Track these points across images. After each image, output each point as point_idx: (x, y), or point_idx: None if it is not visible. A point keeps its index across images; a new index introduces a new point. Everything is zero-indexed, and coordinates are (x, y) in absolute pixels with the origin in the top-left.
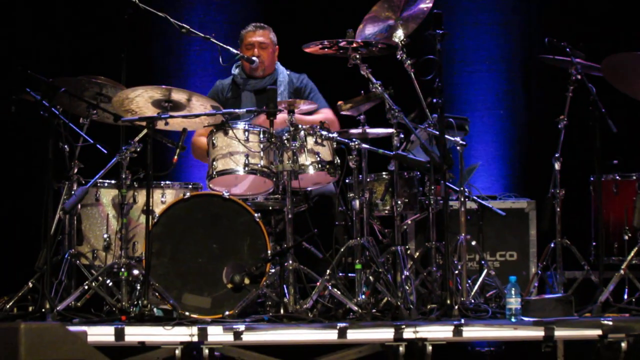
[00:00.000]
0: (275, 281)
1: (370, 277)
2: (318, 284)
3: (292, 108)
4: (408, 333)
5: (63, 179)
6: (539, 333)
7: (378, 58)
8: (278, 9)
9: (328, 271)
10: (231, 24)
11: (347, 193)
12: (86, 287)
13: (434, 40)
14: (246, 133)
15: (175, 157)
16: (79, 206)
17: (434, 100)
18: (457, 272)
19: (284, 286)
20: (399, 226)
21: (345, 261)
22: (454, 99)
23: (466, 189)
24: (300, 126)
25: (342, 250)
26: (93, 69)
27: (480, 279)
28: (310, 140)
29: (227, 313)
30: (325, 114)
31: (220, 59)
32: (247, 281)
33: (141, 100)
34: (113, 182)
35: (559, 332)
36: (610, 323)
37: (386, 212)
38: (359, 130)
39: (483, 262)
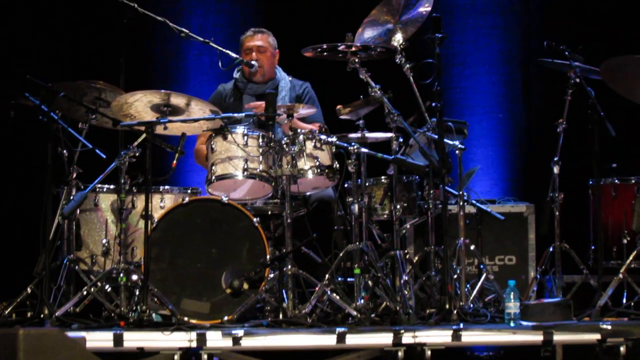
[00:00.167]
0: (274, 286)
1: (369, 282)
2: (317, 288)
3: (291, 112)
4: (407, 338)
5: (62, 183)
6: (537, 337)
7: (377, 62)
8: (277, 13)
9: (327, 276)
10: (230, 28)
11: (346, 197)
12: (85, 293)
13: (432, 43)
14: (245, 137)
15: (174, 161)
16: (78, 211)
17: (433, 104)
18: (456, 276)
19: (283, 291)
20: (398, 230)
21: (344, 266)
22: (453, 103)
23: (465, 193)
24: (299, 130)
25: (341, 254)
26: (92, 73)
27: (479, 284)
28: (309, 145)
29: (226, 318)
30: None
31: (220, 63)
32: (246, 286)
33: (140, 105)
34: (112, 187)
35: (558, 337)
36: (609, 327)
37: (385, 216)
38: (358, 135)
39: (482, 266)
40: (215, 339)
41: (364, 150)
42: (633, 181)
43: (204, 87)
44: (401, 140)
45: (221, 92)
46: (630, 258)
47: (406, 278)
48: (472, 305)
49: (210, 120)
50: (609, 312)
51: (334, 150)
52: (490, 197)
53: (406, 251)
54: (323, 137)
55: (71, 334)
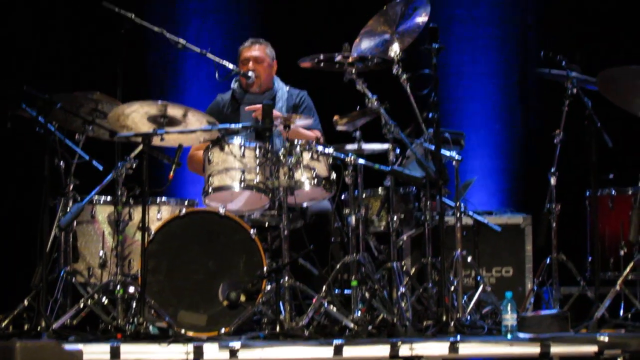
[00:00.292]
0: (271, 298)
1: (366, 294)
2: (314, 300)
3: (287, 123)
4: (404, 350)
5: (59, 195)
6: (535, 349)
7: (374, 72)
8: (275, 24)
9: (324, 288)
10: (227, 39)
11: (342, 209)
12: (82, 305)
13: (429, 54)
14: (242, 149)
15: (171, 173)
16: (75, 223)
17: (430, 115)
18: (453, 288)
19: (280, 303)
20: (395, 242)
21: (341, 278)
22: (449, 114)
23: (462, 205)
24: (296, 141)
25: (338, 266)
26: (89, 84)
27: (476, 295)
28: (306, 156)
29: (223, 330)
30: (315, 134)
31: (216, 74)
32: (243, 298)
33: (137, 116)
34: (109, 198)
35: (555, 349)
36: (607, 339)
37: (382, 228)
38: (355, 146)
39: (479, 278)
40: (212, 351)
41: (360, 161)
42: (630, 192)
43: (201, 98)
44: (398, 151)
45: (219, 103)
46: (628, 269)
47: (403, 290)
48: (469, 317)
49: (207, 132)
50: (606, 324)
51: (330, 161)
52: (487, 208)
53: (403, 263)
54: (320, 148)
55: (68, 346)
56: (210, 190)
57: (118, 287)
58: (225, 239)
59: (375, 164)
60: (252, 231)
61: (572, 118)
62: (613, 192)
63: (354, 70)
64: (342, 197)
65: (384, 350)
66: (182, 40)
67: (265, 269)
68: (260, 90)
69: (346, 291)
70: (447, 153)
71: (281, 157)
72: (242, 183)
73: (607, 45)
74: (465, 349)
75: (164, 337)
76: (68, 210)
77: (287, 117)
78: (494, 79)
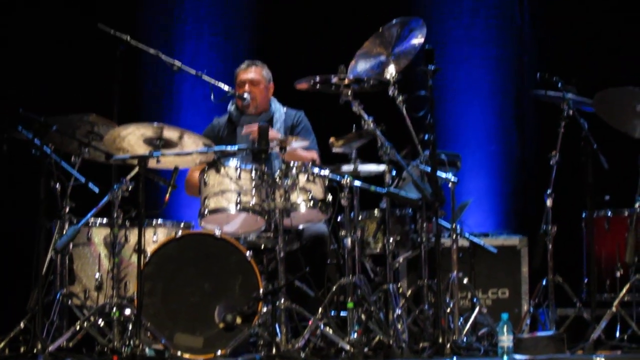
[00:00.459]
0: (267, 320)
1: (362, 316)
2: (310, 322)
3: (284, 145)
4: None
5: (55, 217)
6: None
7: (370, 94)
8: (271, 46)
9: (320, 310)
10: (223, 61)
11: (338, 231)
12: (78, 327)
13: (425, 76)
14: (238, 171)
15: (167, 195)
16: (71, 245)
17: (426, 137)
18: (449, 310)
19: (276, 325)
20: (391, 264)
21: (337, 300)
22: (445, 136)
23: (458, 226)
24: (291, 163)
25: (334, 288)
26: (84, 106)
27: (473, 317)
28: (302, 178)
29: (219, 353)
30: (311, 155)
31: (212, 96)
32: (239, 320)
33: (133, 138)
34: (105, 221)
35: None
36: None
37: (378, 250)
38: (351, 167)
39: (475, 299)
40: None
41: (356, 183)
42: (626, 214)
43: (196, 120)
44: (394, 173)
45: (215, 126)
46: (624, 291)
47: (399, 312)
48: (465, 339)
49: (203, 154)
50: (602, 345)
51: (326, 183)
52: (483, 230)
53: (399, 285)
54: (316, 170)
55: None
56: (206, 212)
57: (114, 309)
58: (221, 261)
59: (371, 186)
60: (248, 253)
61: (568, 139)
62: (609, 213)
63: (349, 92)
64: (338, 219)
65: None
66: (177, 62)
67: (261, 291)
68: (257, 111)
69: (342, 313)
70: (443, 175)
71: (277, 179)
72: (238, 205)
73: (603, 67)
74: None
75: (160, 359)
76: (64, 232)
77: (283, 139)
78: (489, 100)
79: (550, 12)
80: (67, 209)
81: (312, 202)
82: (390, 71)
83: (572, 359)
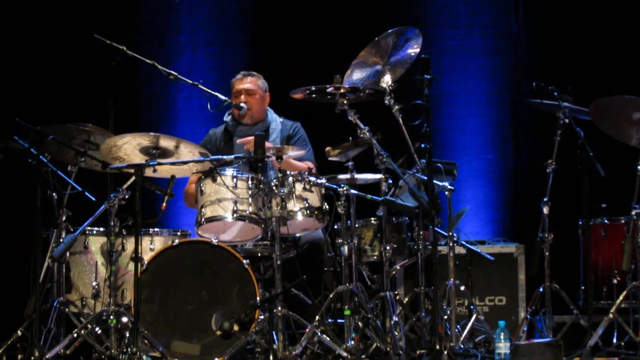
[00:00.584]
0: (265, 327)
1: (360, 323)
2: (307, 330)
3: (280, 154)
4: None
5: (51, 226)
6: None
7: (366, 103)
8: (267, 56)
9: (317, 317)
10: (219, 71)
11: (335, 239)
12: (75, 335)
13: (421, 85)
14: (234, 179)
15: (164, 204)
16: (68, 254)
17: (422, 146)
18: (446, 317)
19: (273, 332)
20: (388, 272)
21: (334, 307)
22: (442, 144)
23: (455, 234)
24: (288, 172)
25: (331, 296)
26: (81, 116)
27: (470, 324)
28: (299, 187)
29: None
30: (307, 165)
31: (209, 106)
32: (236, 328)
33: (129, 148)
34: (101, 229)
35: None
36: None
37: (375, 257)
38: (347, 176)
39: (472, 307)
40: None
41: (353, 191)
42: (623, 221)
43: (193, 129)
44: (390, 181)
45: (211, 137)
46: (621, 298)
47: (396, 319)
48: (462, 346)
49: (199, 163)
50: (599, 352)
51: (323, 191)
52: (480, 237)
53: (396, 292)
54: (312, 178)
55: None
56: (203, 220)
57: (111, 317)
58: (218, 269)
59: (367, 194)
60: (245, 261)
61: (564, 148)
62: (606, 221)
63: (345, 102)
64: (335, 227)
65: None
66: (173, 72)
67: (258, 298)
68: (253, 121)
69: (339, 320)
70: (440, 183)
71: (274, 188)
72: (235, 214)
73: (599, 76)
74: None
75: None
76: (61, 241)
77: (279, 148)
78: (486, 109)
79: (545, 22)
80: (64, 218)
81: (308, 210)
82: (386, 80)
83: None
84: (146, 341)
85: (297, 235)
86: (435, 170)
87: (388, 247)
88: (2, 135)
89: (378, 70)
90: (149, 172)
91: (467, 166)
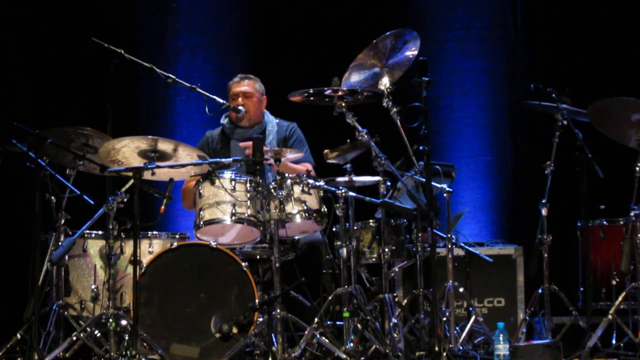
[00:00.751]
0: (263, 330)
1: (358, 325)
2: (306, 332)
3: (278, 157)
4: None
5: (50, 230)
6: None
7: (364, 106)
8: (264, 59)
9: (316, 319)
10: (217, 74)
11: (334, 241)
12: (74, 338)
13: (419, 87)
14: (233, 182)
15: (162, 207)
16: (67, 257)
17: (420, 148)
18: (445, 319)
19: (272, 335)
20: (387, 274)
21: (333, 309)
22: (440, 146)
23: (453, 236)
24: (286, 175)
25: (329, 298)
26: (79, 119)
27: (469, 326)
28: (297, 189)
29: None
30: (305, 167)
31: (207, 109)
32: (235, 330)
33: (127, 151)
34: (100, 232)
35: None
36: None
37: (373, 259)
38: (346, 179)
39: (471, 308)
40: None
41: (351, 194)
42: (621, 222)
43: (191, 132)
44: (389, 183)
45: (208, 139)
46: (620, 299)
47: (395, 321)
48: (461, 348)
49: (197, 166)
50: (598, 353)
51: (321, 194)
52: (479, 239)
53: (395, 294)
54: (311, 181)
55: None
56: (201, 223)
57: (110, 320)
58: (217, 271)
59: (366, 197)
60: (243, 264)
61: (563, 149)
62: (604, 222)
63: (343, 104)
64: (334, 229)
65: None
66: (171, 76)
67: (256, 301)
68: (250, 124)
69: (338, 322)
70: (438, 185)
71: (272, 190)
72: (233, 216)
73: (597, 77)
74: None
75: None
76: (60, 244)
77: (277, 151)
78: (484, 111)
79: (543, 24)
80: (63, 221)
81: (307, 212)
82: (384, 83)
83: None
84: (145, 344)
85: (296, 237)
86: (433, 172)
87: (387, 249)
88: (1, 139)
89: (376, 72)
90: (147, 175)
91: (466, 168)
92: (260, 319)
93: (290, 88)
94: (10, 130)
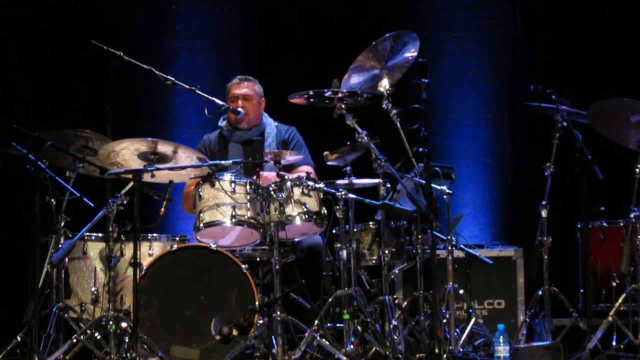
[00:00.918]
0: (264, 332)
1: (359, 327)
2: (306, 334)
3: (278, 159)
4: None
5: (50, 232)
6: None
7: (364, 107)
8: (263, 61)
9: (316, 321)
10: (217, 76)
11: (334, 243)
12: (74, 341)
13: (419, 89)
14: (232, 184)
15: (162, 209)
16: (67, 259)
17: (420, 150)
18: (445, 320)
19: (272, 337)
20: (387, 276)
21: (333, 311)
22: (440, 148)
23: (453, 238)
24: (286, 177)
25: (330, 300)
26: (79, 121)
27: (469, 328)
28: (297, 191)
29: None
30: (305, 170)
31: (206, 111)
32: (235, 332)
33: (127, 153)
34: (100, 235)
35: None
36: None
37: (374, 261)
38: (346, 181)
39: (471, 310)
40: None
41: (351, 196)
42: (621, 224)
43: (190, 134)
44: (389, 185)
45: (205, 142)
46: (620, 301)
47: (395, 323)
48: (461, 350)
49: (197, 168)
50: (598, 355)
51: (321, 196)
52: (479, 241)
53: (395, 296)
54: (310, 183)
55: None
56: (201, 226)
57: (110, 322)
58: (217, 273)
59: (366, 199)
60: (243, 266)
61: (563, 151)
62: (604, 224)
63: (343, 106)
64: (334, 231)
65: None
66: (171, 77)
67: (257, 303)
68: (249, 126)
69: (338, 325)
70: (438, 187)
71: (272, 192)
72: (233, 219)
73: (597, 79)
74: None
75: None
76: (60, 247)
77: (277, 153)
78: (483, 112)
79: (543, 24)
80: (63, 224)
81: (307, 215)
82: (384, 84)
83: None
84: (145, 346)
85: (296, 239)
86: (433, 174)
87: (387, 251)
88: (1, 141)
89: (376, 74)
90: (147, 178)
91: (465, 170)
92: (261, 321)
93: (290, 89)
94: (10, 133)
